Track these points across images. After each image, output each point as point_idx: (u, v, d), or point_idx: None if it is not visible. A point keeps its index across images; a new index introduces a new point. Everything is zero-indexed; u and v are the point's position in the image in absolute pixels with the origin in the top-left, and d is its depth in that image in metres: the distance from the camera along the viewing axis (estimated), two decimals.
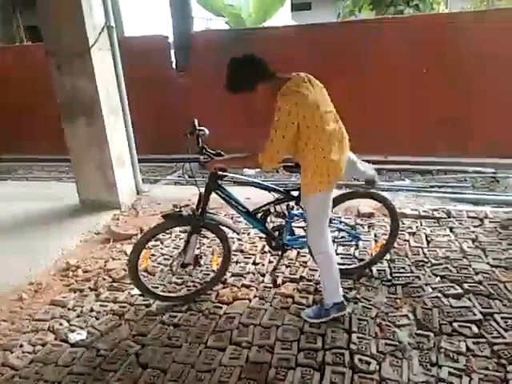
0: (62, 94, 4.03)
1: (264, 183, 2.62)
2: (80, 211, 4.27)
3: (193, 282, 2.88)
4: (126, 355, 2.23)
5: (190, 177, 2.52)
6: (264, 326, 2.39)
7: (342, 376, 2.00)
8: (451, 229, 3.45)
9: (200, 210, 2.46)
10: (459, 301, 2.50)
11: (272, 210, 2.61)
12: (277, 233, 2.70)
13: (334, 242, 2.82)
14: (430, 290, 2.64)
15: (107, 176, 4.20)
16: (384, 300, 2.56)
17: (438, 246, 3.16)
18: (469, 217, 3.64)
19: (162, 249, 3.40)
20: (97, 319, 2.57)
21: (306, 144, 2.07)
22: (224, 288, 2.80)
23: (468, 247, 3.12)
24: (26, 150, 7.33)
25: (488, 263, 2.89)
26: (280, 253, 2.78)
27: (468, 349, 2.12)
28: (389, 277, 2.80)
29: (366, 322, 2.35)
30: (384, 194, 3.00)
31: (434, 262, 2.95)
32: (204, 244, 3.37)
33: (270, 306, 2.58)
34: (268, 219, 2.66)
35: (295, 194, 2.51)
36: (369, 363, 2.06)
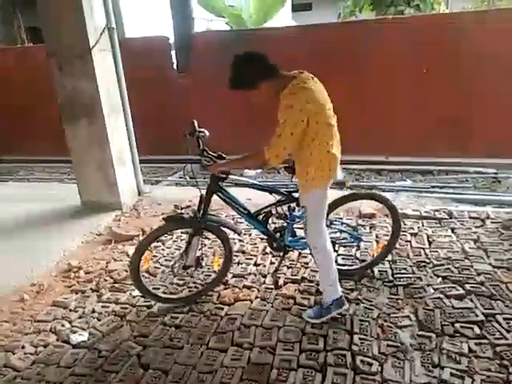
0: (63, 94, 4.04)
1: (265, 185, 2.62)
2: (81, 212, 4.28)
3: (194, 283, 2.88)
4: (128, 356, 2.23)
5: (191, 178, 2.51)
6: (265, 327, 2.39)
7: (343, 377, 1.99)
8: (453, 229, 3.44)
9: (201, 212, 2.46)
10: (461, 302, 2.50)
11: (273, 212, 2.61)
12: (278, 234, 2.70)
13: (335, 243, 2.83)
14: (432, 290, 2.63)
15: (108, 176, 4.20)
16: (386, 301, 2.56)
17: (440, 247, 3.16)
18: (470, 217, 3.64)
19: (163, 250, 3.40)
20: (98, 320, 2.57)
21: (312, 140, 2.07)
22: (225, 289, 2.80)
23: (470, 248, 3.11)
24: (27, 151, 7.34)
25: (490, 264, 2.88)
26: (282, 254, 2.78)
27: (470, 350, 2.12)
28: (390, 278, 2.80)
29: (367, 323, 2.35)
30: (385, 194, 3.00)
31: (435, 262, 2.95)
32: (205, 245, 3.37)
33: (272, 307, 2.58)
34: (269, 220, 2.66)
35: (296, 195, 2.50)
36: (371, 364, 2.06)
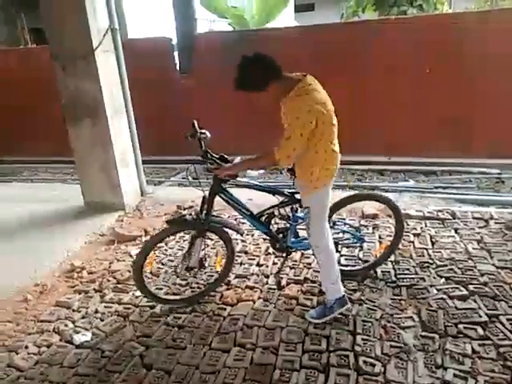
0: (67, 95, 4.05)
1: (268, 186, 2.61)
2: (84, 213, 4.29)
3: (197, 283, 2.88)
4: (131, 356, 2.24)
5: (194, 178, 2.50)
6: (268, 327, 2.39)
7: (346, 378, 1.99)
8: (456, 230, 3.43)
9: (204, 214, 2.45)
10: (464, 302, 2.49)
11: (276, 213, 2.61)
12: (281, 235, 2.70)
13: (338, 243, 2.83)
14: (435, 291, 2.63)
15: (111, 177, 4.22)
16: (389, 302, 2.55)
17: (443, 248, 3.15)
18: (474, 218, 3.63)
19: (166, 250, 3.41)
20: (101, 320, 2.57)
21: (319, 140, 2.09)
22: (228, 289, 2.80)
23: (473, 248, 3.10)
24: (30, 152, 7.37)
25: (493, 264, 2.87)
26: (284, 255, 2.78)
27: (473, 351, 2.11)
28: (393, 278, 2.79)
29: (370, 324, 2.35)
30: (388, 195, 2.99)
31: (438, 263, 2.94)
32: (208, 245, 3.37)
33: (274, 307, 2.58)
34: (272, 221, 2.66)
35: (299, 196, 2.50)
36: (374, 365, 2.05)
